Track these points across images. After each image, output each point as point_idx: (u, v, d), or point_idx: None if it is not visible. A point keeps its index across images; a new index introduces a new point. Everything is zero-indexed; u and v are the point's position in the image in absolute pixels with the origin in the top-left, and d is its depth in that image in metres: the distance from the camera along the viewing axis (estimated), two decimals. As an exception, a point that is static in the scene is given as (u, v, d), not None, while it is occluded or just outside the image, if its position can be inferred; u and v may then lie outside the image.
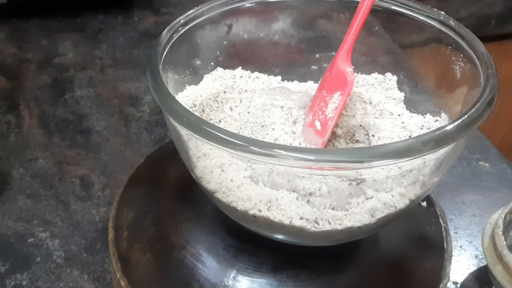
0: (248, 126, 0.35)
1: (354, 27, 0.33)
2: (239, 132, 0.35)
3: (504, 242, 0.36)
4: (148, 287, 0.32)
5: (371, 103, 0.36)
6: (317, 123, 0.33)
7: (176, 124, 0.27)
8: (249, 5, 0.39)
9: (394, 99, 0.37)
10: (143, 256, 0.34)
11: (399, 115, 0.35)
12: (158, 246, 0.34)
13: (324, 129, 0.33)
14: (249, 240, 0.33)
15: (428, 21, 0.35)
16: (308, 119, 0.34)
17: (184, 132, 0.28)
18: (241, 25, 0.40)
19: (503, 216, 0.38)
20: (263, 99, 0.36)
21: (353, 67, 0.34)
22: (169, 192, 0.39)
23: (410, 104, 0.37)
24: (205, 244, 0.34)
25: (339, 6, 0.40)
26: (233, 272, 0.32)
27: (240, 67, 0.40)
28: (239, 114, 0.37)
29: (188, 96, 0.36)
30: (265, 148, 0.24)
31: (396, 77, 0.38)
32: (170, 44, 0.33)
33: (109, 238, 0.36)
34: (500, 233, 0.37)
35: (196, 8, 0.36)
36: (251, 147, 0.24)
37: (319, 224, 0.28)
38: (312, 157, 0.23)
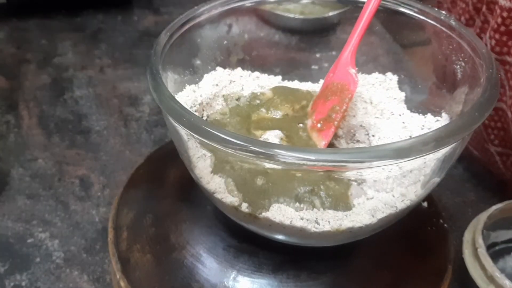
0: (248, 126, 0.35)
1: (359, 28, 0.33)
2: (239, 132, 0.35)
3: (493, 263, 0.33)
4: (148, 287, 0.32)
5: (371, 103, 0.36)
6: (319, 125, 0.33)
7: (176, 124, 0.27)
8: (249, 5, 0.38)
9: (394, 99, 0.37)
10: (143, 256, 0.34)
11: (400, 115, 0.35)
12: (158, 246, 0.34)
13: (326, 130, 0.33)
14: (249, 241, 0.33)
15: (428, 20, 0.35)
16: (310, 121, 0.34)
17: (184, 132, 0.28)
18: (241, 25, 0.40)
19: (480, 232, 0.35)
20: (263, 99, 0.36)
21: (357, 68, 0.34)
22: (169, 192, 0.38)
23: (411, 104, 0.37)
24: (205, 245, 0.34)
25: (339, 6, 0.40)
26: (234, 272, 0.32)
27: (240, 67, 0.40)
28: (239, 114, 0.37)
29: (188, 96, 0.36)
30: (265, 148, 0.23)
31: (397, 77, 0.38)
32: (170, 44, 0.33)
33: (108, 239, 0.36)
34: (485, 252, 0.34)
35: (196, 8, 0.36)
36: (251, 147, 0.24)
37: (319, 225, 0.28)
38: (312, 157, 0.23)
